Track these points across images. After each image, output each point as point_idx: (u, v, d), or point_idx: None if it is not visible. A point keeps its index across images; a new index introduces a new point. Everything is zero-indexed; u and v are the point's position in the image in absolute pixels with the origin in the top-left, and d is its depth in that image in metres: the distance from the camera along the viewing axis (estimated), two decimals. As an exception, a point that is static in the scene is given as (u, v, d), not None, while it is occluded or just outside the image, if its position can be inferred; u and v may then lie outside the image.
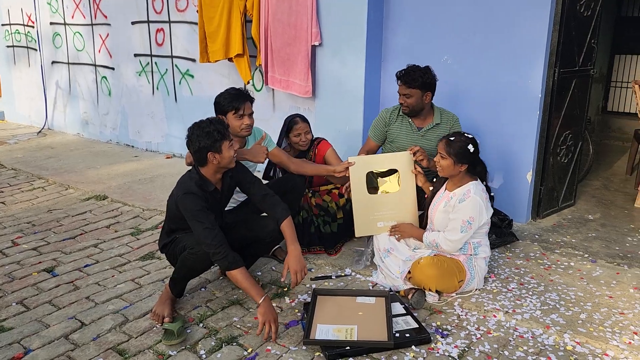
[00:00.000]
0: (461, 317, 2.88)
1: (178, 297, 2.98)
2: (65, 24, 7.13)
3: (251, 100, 3.21)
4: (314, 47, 4.61)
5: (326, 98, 4.67)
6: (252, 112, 3.24)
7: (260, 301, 2.68)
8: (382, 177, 3.38)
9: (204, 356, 2.55)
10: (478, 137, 4.08)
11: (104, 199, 4.87)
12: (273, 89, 5.06)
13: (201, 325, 2.82)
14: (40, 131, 7.67)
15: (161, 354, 2.56)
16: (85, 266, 3.53)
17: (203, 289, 3.22)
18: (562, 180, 4.29)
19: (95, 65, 6.93)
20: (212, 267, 2.96)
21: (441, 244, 2.98)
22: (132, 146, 6.80)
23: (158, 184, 5.22)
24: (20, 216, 4.44)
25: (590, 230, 4.01)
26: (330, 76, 4.63)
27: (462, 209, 2.94)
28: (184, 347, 2.61)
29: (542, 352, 2.56)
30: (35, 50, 7.66)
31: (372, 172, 3.37)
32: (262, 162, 3.40)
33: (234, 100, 3.14)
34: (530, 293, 3.09)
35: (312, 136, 3.72)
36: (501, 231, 3.73)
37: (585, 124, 4.38)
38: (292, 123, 3.65)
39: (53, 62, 7.48)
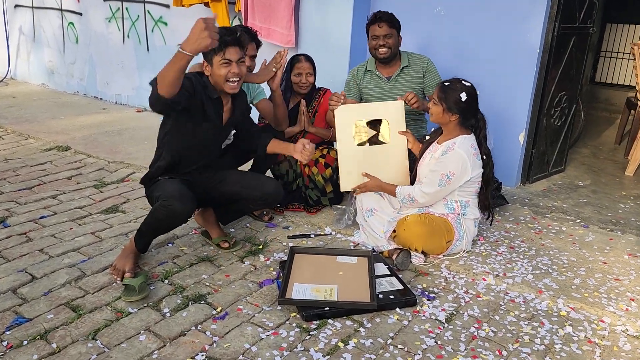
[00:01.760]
0: (449, 279, 2.69)
1: (142, 252, 2.71)
2: (29, -37, 6.61)
3: (240, 43, 2.60)
4: (297, -7, 4.28)
5: (310, 48, 4.34)
6: (243, 59, 2.63)
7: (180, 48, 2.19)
8: (370, 127, 3.11)
9: (167, 314, 2.30)
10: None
11: (66, 150, 4.52)
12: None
13: (166, 282, 2.57)
14: (1, 80, 7.17)
15: (120, 311, 2.31)
16: (40, 217, 3.22)
17: (170, 245, 2.95)
18: (554, 144, 4.10)
19: (61, 10, 6.44)
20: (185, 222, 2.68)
21: (416, 196, 2.76)
22: (101, 98, 6.39)
23: (126, 137, 4.88)
24: (-27, 164, 4.09)
25: (581, 196, 3.84)
26: (314, 25, 4.32)
27: (444, 161, 2.71)
28: (145, 305, 2.36)
29: (534, 317, 2.38)
30: (-3, -8, 7.12)
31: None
32: (268, 81, 3.03)
33: (221, 42, 2.53)
34: (521, 257, 2.91)
35: (314, 79, 3.42)
36: (490, 194, 3.52)
37: (581, 87, 4.18)
38: (295, 60, 3.36)
39: (16, 6, 6.95)
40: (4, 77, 7.26)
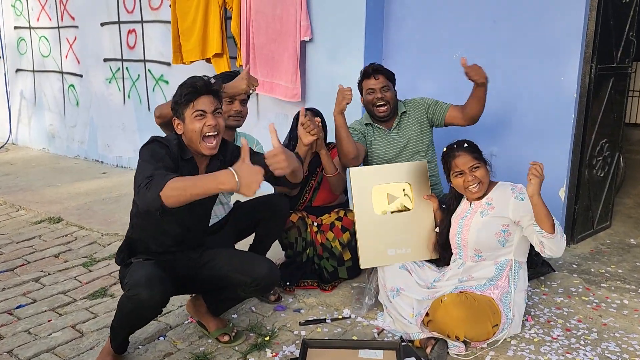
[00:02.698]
0: (498, 377, 2.19)
1: (119, 354, 2.25)
2: (30, 27, 6.46)
3: (212, 90, 2.18)
4: (303, 44, 3.97)
5: (318, 103, 3.98)
6: (219, 109, 2.22)
7: (228, 176, 1.84)
8: (391, 193, 2.70)
9: None
10: (501, 146, 3.47)
11: (57, 222, 4.15)
12: (257, 94, 4.40)
13: (153, 392, 2.11)
14: (2, 146, 6.93)
15: None
16: (17, 307, 2.82)
17: (162, 338, 2.50)
18: (598, 198, 3.64)
19: (62, 72, 6.25)
20: (162, 312, 2.22)
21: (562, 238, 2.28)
22: (102, 162, 6.08)
23: (124, 204, 4.50)
24: (-45, 243, 3.72)
25: (637, 258, 3.34)
26: (322, 77, 3.98)
27: (523, 207, 2.34)
28: None
29: None
30: (-1, 57, 6.99)
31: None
32: (247, 92, 2.67)
33: (190, 87, 2.15)
34: (582, 343, 2.40)
35: (326, 134, 3.03)
36: (532, 260, 3.02)
37: (623, 133, 3.75)
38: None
39: (17, 70, 6.79)
40: (5, 143, 7.03)
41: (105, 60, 5.72)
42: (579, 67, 3.17)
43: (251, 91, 2.69)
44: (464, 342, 2.34)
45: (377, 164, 3.00)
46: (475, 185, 2.41)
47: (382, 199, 2.69)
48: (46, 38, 6.31)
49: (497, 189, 2.46)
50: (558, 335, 2.46)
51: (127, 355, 2.34)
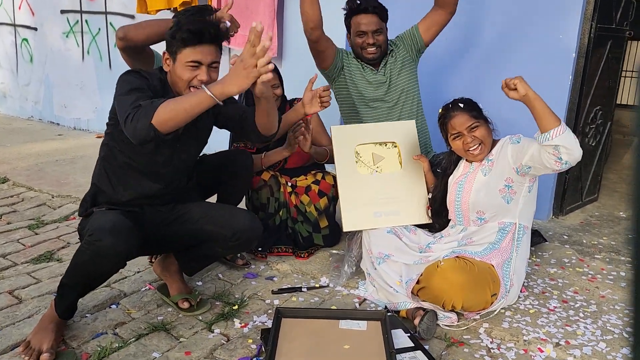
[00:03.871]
0: (493, 351, 1.96)
1: (64, 319, 1.93)
2: (-21, -25, 5.93)
3: (218, 41, 1.93)
4: (281, -6, 3.65)
5: (296, 58, 3.71)
6: (217, 63, 1.94)
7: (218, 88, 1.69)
8: (377, 152, 2.44)
9: None
10: (494, 107, 3.23)
11: (3, 182, 3.76)
12: (229, 48, 4.06)
13: (100, 365, 1.80)
14: (-53, 105, 6.39)
15: (21, 419, 1.54)
16: (-53, 270, 2.45)
17: (114, 306, 2.19)
18: (588, 169, 3.46)
19: (14, 25, 5.74)
20: (124, 267, 1.91)
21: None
22: (57, 123, 5.65)
23: (80, 166, 4.12)
24: None
25: (629, 231, 3.17)
26: (301, 32, 3.65)
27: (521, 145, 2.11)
28: (63, 407, 1.59)
29: (627, 412, 1.66)
30: (-55, 8, 6.39)
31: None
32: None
33: (195, 34, 1.85)
34: (581, 315, 2.20)
35: (283, 91, 2.76)
36: (523, 229, 2.84)
37: (615, 102, 3.57)
38: None
39: (-35, 23, 6.24)
40: (-49, 102, 6.48)
41: (62, 12, 5.27)
42: (579, 25, 2.94)
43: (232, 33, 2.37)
44: (457, 313, 2.12)
45: (363, 110, 2.73)
46: (476, 146, 2.17)
47: (367, 158, 2.44)
48: (-3, -13, 5.80)
49: (497, 144, 2.23)
50: (555, 307, 2.25)
51: (72, 323, 2.03)
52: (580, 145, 3.20)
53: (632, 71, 6.80)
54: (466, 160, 2.28)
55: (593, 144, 3.42)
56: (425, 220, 2.42)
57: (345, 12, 2.73)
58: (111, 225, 1.78)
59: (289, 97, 2.88)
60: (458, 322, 2.11)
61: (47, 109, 5.69)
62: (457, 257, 2.11)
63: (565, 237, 3.03)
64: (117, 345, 1.92)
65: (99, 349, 1.88)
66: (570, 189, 3.31)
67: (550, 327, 2.10)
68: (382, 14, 2.66)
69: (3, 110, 6.15)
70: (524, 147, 2.09)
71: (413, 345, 1.92)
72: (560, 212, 3.32)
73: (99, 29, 5.02)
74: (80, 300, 1.98)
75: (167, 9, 4.10)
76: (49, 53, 5.50)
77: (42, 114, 5.77)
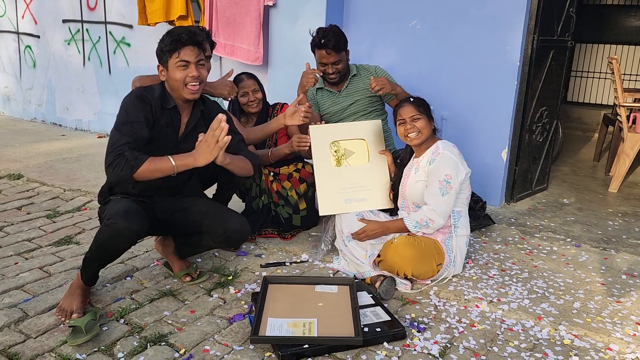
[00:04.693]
0: (439, 308, 2.44)
1: (89, 285, 2.38)
2: (-17, -14, 6.31)
3: (198, 42, 2.31)
4: (266, 8, 4.09)
5: (280, 66, 4.16)
6: (203, 61, 2.35)
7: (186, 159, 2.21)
8: (348, 148, 2.90)
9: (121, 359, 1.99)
10: (449, 110, 3.72)
11: (18, 178, 4.17)
12: (221, 57, 4.50)
13: (122, 321, 2.26)
14: (-47, 108, 6.76)
15: (65, 358, 1.98)
16: (-18, 252, 2.88)
17: (128, 278, 2.64)
18: (537, 162, 3.95)
19: (17, 32, 6.13)
20: (136, 244, 2.36)
21: (430, 216, 2.50)
22: (60, 125, 6.05)
23: (85, 163, 4.55)
24: None
25: (568, 214, 3.67)
26: (284, 41, 4.12)
27: (435, 169, 2.52)
28: (96, 349, 2.05)
29: (536, 348, 2.15)
30: (-50, 16, 6.75)
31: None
32: (227, 98, 2.87)
33: (177, 36, 2.26)
34: (514, 280, 2.68)
35: (264, 95, 3.20)
36: (475, 214, 3.31)
37: (560, 102, 4.06)
38: (237, 81, 3.10)
39: (-31, 30, 6.61)
40: (-44, 105, 6.85)
41: (64, 21, 5.66)
42: (522, 38, 3.43)
43: (230, 97, 2.88)
44: (411, 280, 2.59)
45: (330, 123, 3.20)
46: (414, 134, 2.61)
47: (340, 153, 2.89)
48: (1, -3, 6.18)
49: (431, 148, 2.63)
50: (494, 274, 2.74)
51: (95, 291, 2.47)
52: (529, 141, 3.76)
53: (582, 71, 7.32)
54: (415, 156, 2.72)
55: (540, 140, 3.91)
56: (389, 205, 2.89)
57: (311, 40, 3.15)
58: (124, 210, 2.22)
59: (272, 102, 3.32)
60: (412, 288, 2.58)
61: (50, 111, 6.09)
62: (408, 234, 2.58)
63: (512, 220, 3.53)
64: (134, 306, 2.37)
65: (120, 309, 2.33)
66: (519, 180, 3.80)
67: (487, 289, 2.58)
68: (340, 46, 3.06)
69: (7, 112, 6.54)
70: (430, 177, 2.55)
71: (374, 303, 2.40)
72: (511, 199, 3.81)
73: (99, 37, 5.44)
74: (100, 272, 2.42)
75: (166, 22, 4.53)
76: (51, 59, 5.90)
77: (45, 115, 6.17)
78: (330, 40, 3.02)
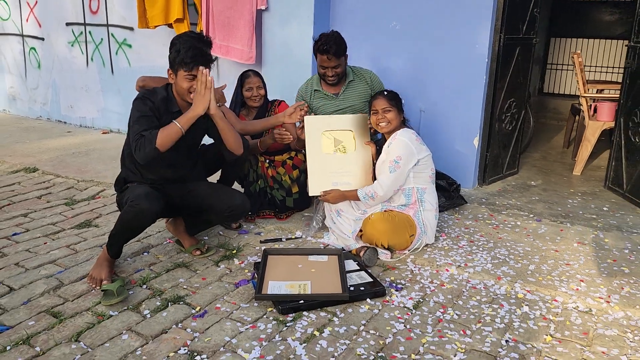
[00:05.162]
0: (414, 272, 2.86)
1: (115, 258, 2.77)
2: (-12, -9, 6.62)
3: (208, 63, 2.70)
4: (259, 12, 4.47)
5: (272, 65, 4.54)
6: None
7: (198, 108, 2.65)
8: (337, 137, 3.29)
9: (148, 315, 2.39)
10: (426, 102, 4.13)
11: (34, 172, 4.53)
12: (217, 57, 4.87)
13: (144, 287, 2.65)
14: (-40, 108, 7.09)
15: (100, 314, 2.38)
16: (13, 235, 3.25)
17: (146, 253, 3.03)
18: (507, 148, 4.37)
19: (22, 35, 6.46)
20: (155, 222, 2.76)
21: (375, 190, 2.95)
22: (65, 122, 6.40)
23: (94, 157, 4.92)
24: (-62, 188, 4.06)
25: (533, 194, 4.10)
26: (276, 42, 4.50)
27: (390, 151, 2.96)
28: (125, 307, 2.44)
29: (494, 301, 2.57)
30: (-46, 20, 7.06)
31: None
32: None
33: (192, 57, 2.62)
34: (481, 249, 3.11)
35: (265, 92, 3.57)
36: (450, 194, 3.74)
37: (528, 95, 4.48)
38: (244, 77, 3.50)
39: (-26, 33, 6.93)
40: (-37, 105, 7.17)
41: (67, 24, 6.00)
42: (489, 37, 3.84)
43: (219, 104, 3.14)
44: (390, 250, 3.00)
45: None
46: (384, 122, 3.02)
47: (330, 142, 3.28)
48: (5, 2, 6.48)
49: (395, 133, 3.01)
50: (463, 245, 3.16)
51: (118, 264, 2.86)
52: (498, 130, 4.19)
53: (557, 64, 7.76)
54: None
55: (510, 128, 4.33)
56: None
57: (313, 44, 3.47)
58: (146, 194, 2.63)
59: (271, 99, 3.70)
60: (392, 257, 3.00)
61: (55, 110, 6.44)
62: (385, 211, 2.99)
63: (483, 200, 3.95)
64: (153, 275, 2.76)
65: (141, 277, 2.72)
66: (491, 164, 4.23)
67: (457, 257, 3.00)
68: (340, 52, 3.36)
69: (13, 111, 6.87)
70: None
71: (359, 268, 2.81)
72: (483, 182, 4.23)
73: (102, 39, 5.79)
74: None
75: (165, 25, 4.90)
76: (55, 60, 6.24)
77: (49, 113, 6.51)
78: (331, 47, 3.31)
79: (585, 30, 7.43)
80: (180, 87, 2.69)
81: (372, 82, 3.56)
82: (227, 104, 3.52)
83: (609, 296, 2.58)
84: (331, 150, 3.27)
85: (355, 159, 3.27)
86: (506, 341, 2.24)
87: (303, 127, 3.27)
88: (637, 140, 3.82)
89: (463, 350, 2.17)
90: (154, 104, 2.69)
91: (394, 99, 3.03)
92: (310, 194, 3.25)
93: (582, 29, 7.44)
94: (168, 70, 2.75)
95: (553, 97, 7.63)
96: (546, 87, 7.81)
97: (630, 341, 2.26)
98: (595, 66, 7.35)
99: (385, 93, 3.05)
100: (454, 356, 2.13)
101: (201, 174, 3.16)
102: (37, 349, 2.13)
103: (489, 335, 2.28)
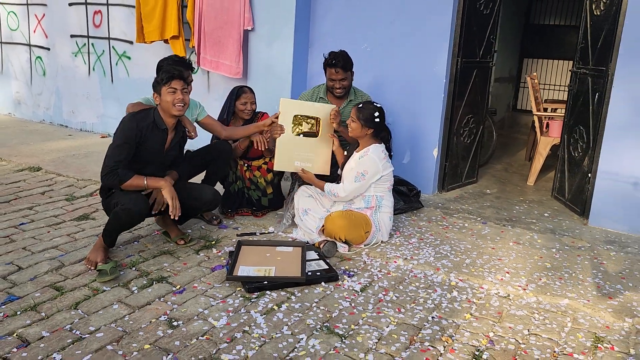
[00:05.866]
0: (367, 262, 3.32)
1: (110, 247, 3.23)
2: (-2, 2, 7.12)
3: (183, 77, 3.15)
4: (245, 31, 4.96)
5: (257, 79, 5.02)
6: (186, 89, 3.19)
7: (165, 185, 3.15)
8: (305, 122, 3.75)
9: (135, 291, 2.84)
10: (392, 116, 4.61)
11: (37, 170, 4.99)
12: (208, 71, 5.35)
13: (133, 269, 3.10)
14: (-32, 110, 7.56)
15: (96, 289, 2.83)
16: (20, 224, 3.70)
17: (136, 242, 3.49)
18: (465, 159, 4.85)
19: (29, 45, 6.95)
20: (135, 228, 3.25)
21: (338, 191, 3.44)
22: (66, 126, 6.87)
23: (93, 159, 5.38)
24: (-48, 183, 4.51)
25: (486, 201, 4.58)
26: (260, 59, 5.00)
27: (360, 163, 3.43)
28: (117, 285, 2.89)
29: (430, 287, 3.03)
30: (-35, 28, 7.55)
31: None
32: (191, 137, 3.57)
33: (168, 75, 3.11)
34: (428, 246, 3.58)
35: (256, 107, 4.05)
36: (409, 199, 4.22)
37: (486, 111, 4.97)
38: (241, 92, 3.96)
39: (-16, 41, 7.41)
40: (-29, 108, 7.64)
41: (72, 36, 6.49)
42: (447, 60, 4.33)
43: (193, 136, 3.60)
44: (348, 244, 3.47)
45: None
46: (348, 129, 3.50)
47: (297, 125, 3.76)
48: (15, 13, 6.98)
49: (366, 147, 3.48)
50: (413, 242, 3.63)
51: (112, 251, 3.31)
52: (457, 142, 4.69)
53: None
54: (357, 150, 3.58)
55: (468, 142, 4.82)
56: (326, 172, 3.78)
57: (323, 60, 3.94)
58: (134, 200, 3.08)
59: (257, 110, 4.16)
60: (349, 250, 3.46)
61: (57, 114, 6.91)
62: (345, 210, 3.47)
63: (440, 204, 4.43)
64: (141, 260, 3.22)
65: (131, 261, 3.18)
66: (450, 173, 4.71)
67: (405, 251, 3.47)
68: (347, 67, 3.83)
69: (18, 114, 7.34)
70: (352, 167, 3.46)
71: (318, 258, 3.27)
72: (442, 189, 4.71)
73: (103, 51, 6.28)
74: (115, 238, 3.28)
75: (160, 40, 5.39)
76: (59, 69, 6.72)
77: (52, 118, 6.99)
78: (339, 61, 3.80)
79: (554, 52, 7.96)
80: (165, 102, 3.12)
81: None
82: (217, 113, 4.00)
83: (527, 285, 3.05)
84: (297, 132, 3.75)
85: (317, 145, 3.76)
86: (432, 317, 2.71)
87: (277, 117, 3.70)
88: (576, 154, 4.30)
89: (395, 323, 2.63)
90: (137, 125, 3.12)
91: (362, 113, 3.43)
92: (275, 168, 3.76)
93: (551, 50, 7.97)
94: (154, 94, 3.18)
95: (525, 113, 8.14)
96: (519, 104, 8.32)
97: (536, 320, 2.73)
98: (560, 85, 7.88)
99: (360, 106, 3.47)
100: (387, 327, 2.59)
101: (184, 172, 3.58)
102: (43, 314, 2.58)
103: (419, 313, 2.74)
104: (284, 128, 3.71)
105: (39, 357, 2.23)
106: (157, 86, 3.16)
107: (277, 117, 3.72)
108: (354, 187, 3.41)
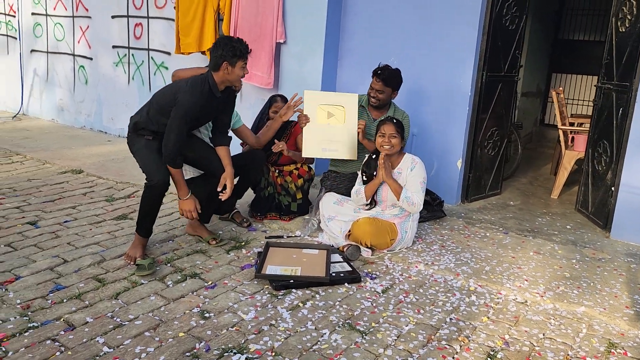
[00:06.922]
0: (389, 267, 3.46)
1: (146, 237, 3.43)
2: (46, 14, 7.52)
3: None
4: (278, 45, 5.18)
5: (288, 91, 5.22)
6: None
7: (185, 198, 3.36)
8: (330, 111, 3.95)
9: (170, 285, 3.04)
10: (418, 127, 4.75)
11: (79, 173, 5.29)
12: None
13: (169, 265, 3.31)
14: (15, 116, 7.98)
15: (134, 282, 3.05)
16: (64, 222, 3.96)
17: (171, 242, 3.70)
18: (489, 171, 4.95)
19: (74, 55, 7.33)
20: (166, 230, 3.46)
21: (415, 201, 3.51)
22: (106, 132, 7.20)
23: (130, 163, 5.64)
24: (1, 183, 4.82)
25: (509, 212, 4.67)
26: (292, 71, 5.21)
27: (416, 173, 3.59)
28: (153, 279, 3.10)
29: (449, 291, 3.15)
30: (15, 38, 8.00)
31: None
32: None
33: (245, 50, 3.27)
34: (449, 252, 3.69)
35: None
36: (432, 208, 4.34)
37: (511, 125, 5.06)
38: (273, 100, 4.21)
39: (32, 51, 7.83)
40: (17, 113, 8.07)
41: (113, 47, 6.84)
42: (472, 74, 4.46)
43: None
44: (372, 249, 3.61)
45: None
46: (388, 146, 3.63)
47: (324, 114, 3.97)
48: (61, 25, 7.38)
49: (404, 160, 3.66)
50: (435, 248, 3.75)
51: (149, 248, 3.53)
52: (481, 154, 4.81)
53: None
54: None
55: (492, 154, 4.91)
56: (353, 157, 3.96)
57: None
58: (155, 167, 3.33)
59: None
60: (372, 254, 3.61)
61: (97, 121, 7.26)
62: (371, 217, 3.61)
63: (462, 214, 4.53)
64: (176, 257, 3.43)
65: (167, 258, 3.39)
66: (473, 185, 4.81)
67: (427, 257, 3.59)
68: (388, 82, 3.94)
69: (60, 120, 7.73)
70: (410, 179, 3.58)
71: (342, 260, 3.43)
72: (466, 200, 4.82)
73: (142, 61, 6.59)
74: (150, 238, 3.49)
75: (198, 52, 5.66)
76: (101, 78, 7.08)
77: (93, 124, 7.34)
78: (383, 73, 3.95)
79: (582, 67, 7.98)
80: (235, 75, 3.29)
81: (402, 121, 4.03)
82: (247, 120, 4.21)
83: (545, 292, 3.14)
84: (324, 121, 3.94)
85: (343, 130, 3.95)
86: (450, 319, 2.83)
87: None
88: (600, 168, 4.37)
89: (414, 323, 2.76)
90: (199, 99, 3.25)
91: (401, 128, 3.60)
92: (303, 155, 3.98)
93: (579, 66, 7.99)
94: (225, 63, 3.22)
95: (552, 128, 8.15)
96: (547, 118, 8.34)
97: (551, 325, 2.82)
98: (588, 100, 7.88)
99: (395, 121, 3.62)
100: (406, 326, 2.73)
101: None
102: (86, 302, 2.80)
103: (438, 314, 2.87)
104: (308, 117, 3.92)
105: (84, 340, 2.45)
106: (232, 58, 3.23)
107: (293, 104, 3.91)
108: (422, 197, 3.57)
